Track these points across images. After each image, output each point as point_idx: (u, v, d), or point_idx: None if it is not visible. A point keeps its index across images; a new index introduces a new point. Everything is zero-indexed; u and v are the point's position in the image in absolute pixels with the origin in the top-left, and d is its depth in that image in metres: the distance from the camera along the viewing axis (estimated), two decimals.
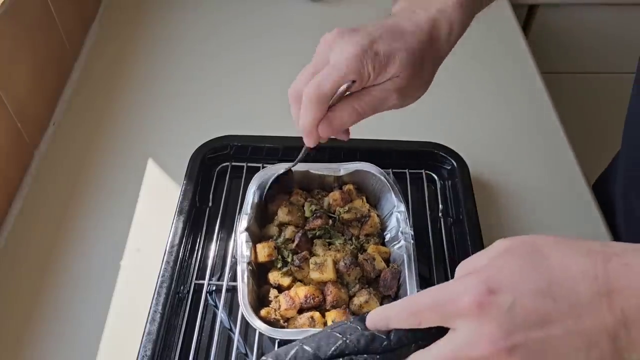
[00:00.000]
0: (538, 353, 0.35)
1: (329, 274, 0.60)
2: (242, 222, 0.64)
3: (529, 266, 0.37)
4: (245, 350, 0.61)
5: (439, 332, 0.40)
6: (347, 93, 0.52)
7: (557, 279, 0.35)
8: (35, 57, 0.82)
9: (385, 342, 0.43)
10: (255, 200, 0.66)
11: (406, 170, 0.75)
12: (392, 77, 0.51)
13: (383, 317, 0.43)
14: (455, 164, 0.74)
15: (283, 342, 0.61)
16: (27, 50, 0.80)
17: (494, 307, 0.35)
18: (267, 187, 0.67)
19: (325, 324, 0.59)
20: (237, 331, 0.61)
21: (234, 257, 0.65)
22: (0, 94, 0.71)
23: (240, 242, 0.63)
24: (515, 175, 0.80)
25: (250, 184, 0.68)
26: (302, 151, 0.61)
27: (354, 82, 0.50)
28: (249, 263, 0.61)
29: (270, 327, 0.57)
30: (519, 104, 0.91)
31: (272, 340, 0.61)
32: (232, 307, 0.64)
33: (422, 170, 0.76)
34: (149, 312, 0.60)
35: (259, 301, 0.61)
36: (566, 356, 0.35)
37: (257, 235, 0.66)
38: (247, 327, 0.62)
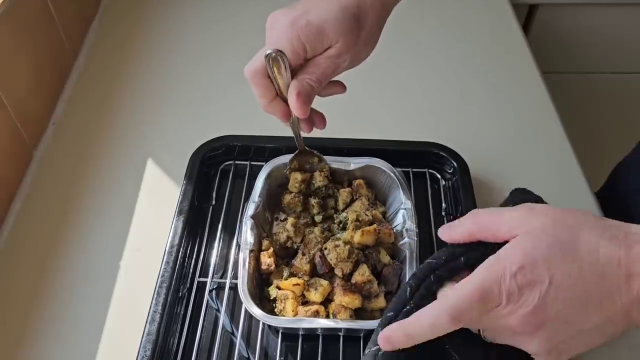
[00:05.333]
0: (562, 328, 0.41)
1: (354, 302, 0.59)
2: (249, 209, 0.64)
3: (561, 249, 0.41)
4: (247, 354, 0.61)
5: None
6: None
7: (587, 262, 0.40)
8: (35, 57, 0.82)
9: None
10: (265, 189, 0.67)
11: (409, 170, 0.75)
12: (332, 44, 0.53)
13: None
14: (455, 164, 0.74)
15: (285, 335, 0.61)
16: (27, 50, 0.80)
17: (529, 287, 0.40)
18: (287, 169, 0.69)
19: (327, 315, 0.59)
20: (239, 334, 0.61)
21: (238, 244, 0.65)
22: (0, 94, 0.71)
23: (246, 228, 0.63)
24: (516, 175, 0.79)
25: (261, 172, 0.68)
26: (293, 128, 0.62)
27: (281, 51, 0.52)
28: (251, 250, 0.61)
29: (267, 315, 0.57)
30: (520, 104, 0.91)
31: (275, 341, 0.61)
32: (234, 307, 0.64)
33: (426, 170, 0.76)
34: (149, 312, 0.60)
35: (262, 301, 0.61)
36: (587, 332, 0.41)
37: (266, 223, 0.67)
38: (249, 330, 0.62)
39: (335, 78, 0.58)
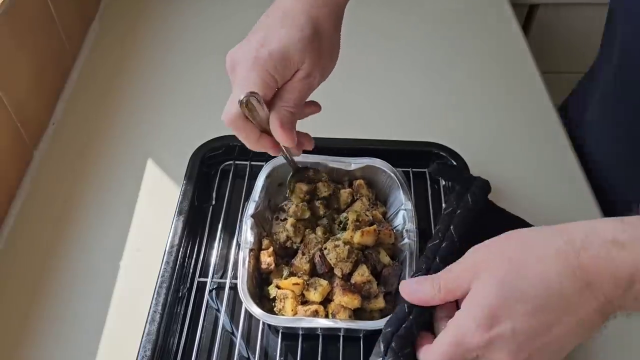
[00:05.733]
0: (545, 351, 0.42)
1: (353, 302, 0.59)
2: (249, 208, 0.65)
3: (513, 290, 0.42)
4: (247, 354, 0.61)
5: None
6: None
7: (541, 291, 0.41)
8: (35, 57, 0.82)
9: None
10: (265, 188, 0.67)
11: (410, 170, 0.75)
12: (299, 67, 0.53)
13: None
14: (455, 164, 0.74)
15: (284, 335, 0.61)
16: (27, 50, 0.80)
17: (498, 338, 0.42)
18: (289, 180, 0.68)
19: (326, 315, 0.59)
20: (239, 334, 0.61)
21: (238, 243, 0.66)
22: (0, 94, 0.71)
23: (246, 227, 0.63)
24: (516, 176, 0.80)
25: (261, 172, 0.68)
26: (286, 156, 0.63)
27: (253, 92, 0.51)
28: (251, 250, 0.61)
29: (267, 314, 0.57)
30: (519, 104, 0.91)
31: (274, 341, 0.61)
32: (234, 307, 0.64)
33: (426, 170, 0.76)
34: (149, 312, 0.60)
35: (261, 301, 0.61)
36: (568, 342, 0.42)
37: (266, 222, 0.67)
38: (249, 330, 0.62)
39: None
